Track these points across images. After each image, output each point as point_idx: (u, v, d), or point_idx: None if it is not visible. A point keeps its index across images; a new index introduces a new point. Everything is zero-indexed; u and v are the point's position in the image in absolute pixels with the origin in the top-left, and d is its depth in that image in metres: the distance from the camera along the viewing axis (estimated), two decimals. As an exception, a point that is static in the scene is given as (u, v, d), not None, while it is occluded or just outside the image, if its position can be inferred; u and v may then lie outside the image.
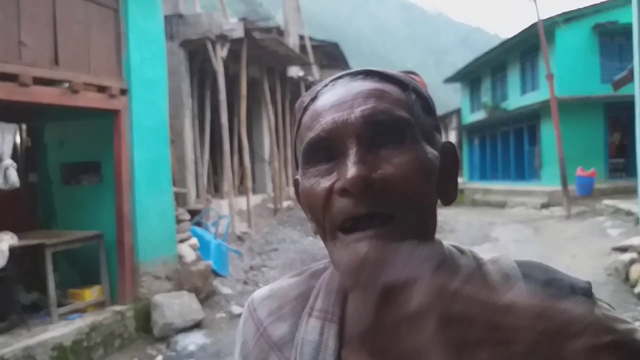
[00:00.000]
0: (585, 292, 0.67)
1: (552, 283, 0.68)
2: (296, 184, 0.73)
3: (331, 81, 0.71)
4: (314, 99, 0.70)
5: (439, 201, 0.70)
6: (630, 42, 10.57)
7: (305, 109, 0.70)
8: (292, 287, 0.82)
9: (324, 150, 0.65)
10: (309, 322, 0.75)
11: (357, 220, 0.61)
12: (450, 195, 0.72)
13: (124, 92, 6.39)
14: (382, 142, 0.63)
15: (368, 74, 0.69)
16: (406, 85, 0.69)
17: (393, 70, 0.72)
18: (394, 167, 0.62)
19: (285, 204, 14.81)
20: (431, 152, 0.66)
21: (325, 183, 0.64)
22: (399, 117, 0.63)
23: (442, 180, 0.68)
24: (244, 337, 0.83)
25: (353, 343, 0.70)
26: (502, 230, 13.76)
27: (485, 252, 0.77)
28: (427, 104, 0.70)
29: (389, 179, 0.61)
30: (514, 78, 22.44)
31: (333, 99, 0.66)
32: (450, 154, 0.71)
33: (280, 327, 0.78)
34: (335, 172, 0.63)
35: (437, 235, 0.73)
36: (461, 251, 0.75)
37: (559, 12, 18.43)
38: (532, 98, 19.84)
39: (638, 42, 9.08)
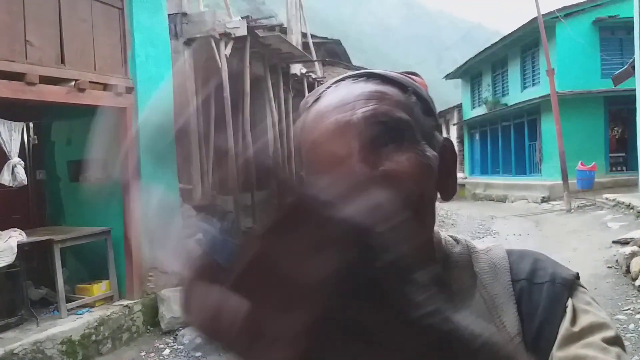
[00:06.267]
0: (564, 282, 0.69)
1: (535, 273, 0.71)
2: (301, 180, 0.75)
3: (334, 83, 0.73)
4: (317, 100, 0.72)
5: (438, 197, 0.72)
6: (631, 36, 10.64)
7: (309, 109, 0.72)
8: None
9: (327, 148, 0.66)
10: None
11: None
12: (449, 190, 0.73)
13: (129, 90, 6.45)
14: (383, 142, 0.64)
15: (370, 76, 0.71)
16: (407, 88, 0.70)
17: (394, 72, 0.74)
18: (394, 164, 0.63)
19: (289, 200, 14.87)
20: (430, 151, 0.67)
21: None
22: (399, 119, 0.65)
23: (442, 176, 0.70)
24: None
25: None
26: (503, 224, 13.81)
27: (483, 243, 0.79)
28: (427, 106, 0.72)
29: (389, 174, 0.63)
30: (514, 73, 22.43)
31: (336, 100, 0.68)
32: (448, 151, 0.73)
33: None
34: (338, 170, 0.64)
35: (440, 229, 0.78)
36: (457, 240, 0.78)
37: (559, 7, 18.43)
38: (533, 93, 19.83)
39: (639, 37, 9.13)
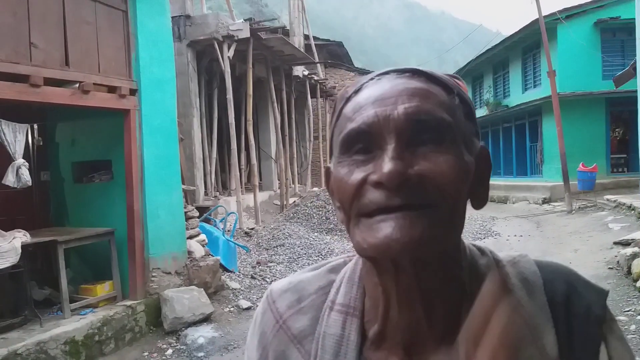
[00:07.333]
0: (599, 319, 0.68)
1: (571, 300, 0.69)
2: (327, 172, 0.73)
3: (377, 75, 0.70)
4: (357, 91, 0.69)
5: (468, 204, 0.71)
6: (633, 38, 10.64)
7: (348, 99, 0.70)
8: (311, 281, 0.82)
9: (363, 142, 0.64)
10: (330, 316, 0.75)
11: (388, 211, 0.61)
12: (481, 198, 0.72)
13: (133, 92, 6.46)
14: (421, 141, 0.62)
15: (415, 72, 0.69)
16: (451, 89, 0.68)
17: (440, 72, 0.72)
18: (431, 164, 0.61)
19: (292, 200, 14.91)
20: (468, 156, 0.66)
21: (359, 173, 0.63)
22: (441, 119, 0.63)
23: (475, 184, 0.68)
24: (262, 329, 0.82)
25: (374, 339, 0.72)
26: (504, 225, 13.80)
27: (502, 251, 0.77)
28: (469, 110, 0.70)
29: (425, 174, 0.61)
30: (515, 75, 22.44)
31: (377, 93, 0.66)
32: (484, 159, 0.71)
33: (300, 320, 0.78)
34: (372, 164, 0.63)
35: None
36: (481, 251, 0.75)
37: (561, 9, 18.43)
38: (534, 94, 19.85)
39: None
